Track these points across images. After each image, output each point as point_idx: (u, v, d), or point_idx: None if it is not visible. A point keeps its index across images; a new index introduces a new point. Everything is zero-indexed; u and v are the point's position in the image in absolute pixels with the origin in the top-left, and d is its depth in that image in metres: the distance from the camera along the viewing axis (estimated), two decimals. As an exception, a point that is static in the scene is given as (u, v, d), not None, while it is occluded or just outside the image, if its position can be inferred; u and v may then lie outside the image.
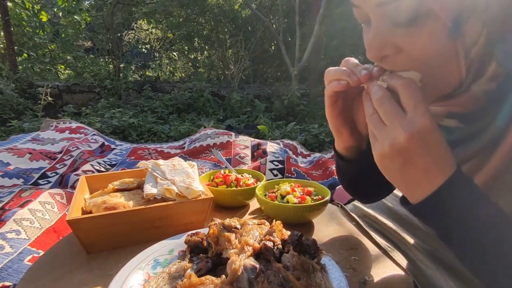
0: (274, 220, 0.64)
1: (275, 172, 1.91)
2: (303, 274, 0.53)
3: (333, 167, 1.94)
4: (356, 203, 1.01)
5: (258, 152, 2.32)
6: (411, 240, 0.77)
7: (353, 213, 0.94)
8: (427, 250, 0.73)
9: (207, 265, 0.59)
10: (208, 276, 0.51)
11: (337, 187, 1.66)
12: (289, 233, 0.62)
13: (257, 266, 0.52)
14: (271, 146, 2.38)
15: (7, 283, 0.88)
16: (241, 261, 0.52)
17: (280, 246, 0.59)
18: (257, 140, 2.53)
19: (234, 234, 0.63)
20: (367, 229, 0.85)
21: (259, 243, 0.58)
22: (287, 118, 4.34)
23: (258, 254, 0.57)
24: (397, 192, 0.91)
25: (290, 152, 2.47)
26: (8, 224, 1.12)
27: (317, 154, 2.54)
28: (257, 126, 3.50)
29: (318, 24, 4.72)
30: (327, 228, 0.86)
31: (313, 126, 3.55)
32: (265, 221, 0.68)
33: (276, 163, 1.98)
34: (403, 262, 0.72)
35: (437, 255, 0.70)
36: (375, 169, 0.51)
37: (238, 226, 0.65)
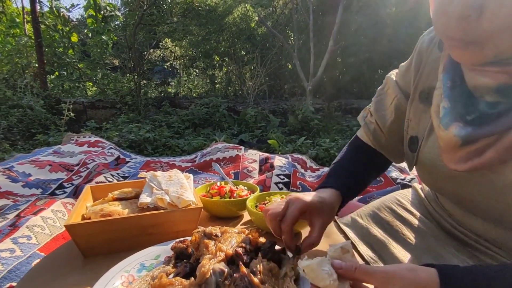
0: (251, 229, 0.68)
1: (280, 185, 1.94)
2: (271, 280, 0.56)
3: (339, 182, 1.95)
4: (353, 215, 1.02)
5: (265, 166, 2.35)
6: (402, 252, 0.78)
7: (348, 226, 0.96)
8: (416, 264, 0.74)
9: (185, 269, 0.63)
10: (178, 278, 0.54)
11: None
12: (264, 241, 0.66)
13: (226, 270, 0.56)
14: (279, 160, 2.41)
15: (14, 284, 0.95)
16: (210, 265, 0.56)
17: (252, 252, 0.62)
18: (266, 154, 2.56)
19: (213, 241, 0.66)
20: (353, 240, 0.87)
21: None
22: (301, 133, 4.37)
23: (232, 260, 0.61)
24: (391, 205, 0.92)
25: (299, 166, 2.48)
26: (21, 230, 1.21)
27: (326, 169, 2.54)
28: (268, 141, 3.54)
29: (333, 40, 4.77)
30: (314, 239, 0.88)
31: (325, 140, 3.56)
32: (245, 229, 0.71)
33: (282, 176, 2.00)
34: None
35: None
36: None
37: (218, 234, 0.69)
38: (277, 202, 0.73)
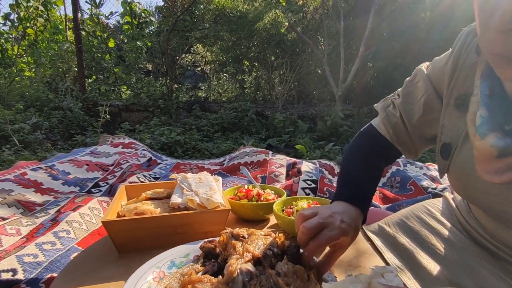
0: (277, 232, 0.69)
1: (307, 191, 1.93)
2: (296, 282, 0.57)
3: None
4: (381, 223, 1.00)
5: (293, 171, 2.35)
6: (431, 263, 0.76)
7: (375, 233, 0.95)
8: (445, 275, 0.72)
9: (213, 268, 0.65)
10: (207, 275, 0.57)
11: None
12: (291, 244, 0.67)
13: (252, 270, 0.57)
14: (306, 166, 2.40)
15: (54, 274, 1.02)
16: (238, 264, 0.58)
17: (279, 255, 0.63)
18: (293, 159, 2.56)
19: (241, 242, 0.68)
20: (380, 248, 0.86)
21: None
22: (329, 139, 4.32)
23: (258, 261, 0.63)
24: (420, 213, 0.91)
25: (326, 172, 2.46)
26: (61, 225, 1.29)
27: (354, 176, 2.49)
28: (295, 146, 3.53)
29: (364, 45, 4.70)
30: (340, 245, 0.88)
31: (354, 147, 3.50)
32: (271, 232, 0.72)
33: (309, 182, 1.99)
34: (410, 282, 0.72)
35: (455, 279, 0.69)
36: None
37: (245, 235, 0.70)
38: (311, 210, 0.67)
